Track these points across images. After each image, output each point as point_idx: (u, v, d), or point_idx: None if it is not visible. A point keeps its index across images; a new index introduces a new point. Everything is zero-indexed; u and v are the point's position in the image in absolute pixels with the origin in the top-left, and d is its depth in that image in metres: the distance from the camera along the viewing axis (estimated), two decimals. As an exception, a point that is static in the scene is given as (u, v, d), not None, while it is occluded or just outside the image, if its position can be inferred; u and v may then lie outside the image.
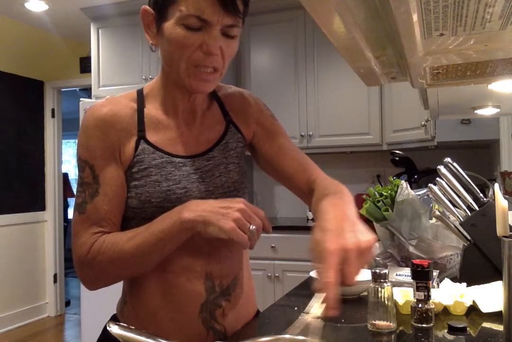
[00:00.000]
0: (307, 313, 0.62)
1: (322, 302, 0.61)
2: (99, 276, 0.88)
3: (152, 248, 0.83)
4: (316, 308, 0.61)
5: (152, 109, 0.94)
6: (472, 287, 1.05)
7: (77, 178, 0.93)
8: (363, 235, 0.67)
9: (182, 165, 0.91)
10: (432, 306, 0.91)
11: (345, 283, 0.63)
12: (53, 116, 4.33)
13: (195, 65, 0.85)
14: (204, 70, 0.85)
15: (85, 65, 4.16)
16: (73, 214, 0.90)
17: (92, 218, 0.87)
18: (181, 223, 0.80)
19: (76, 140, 0.94)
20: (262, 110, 1.05)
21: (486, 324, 0.94)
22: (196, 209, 0.81)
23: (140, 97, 0.95)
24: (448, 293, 1.02)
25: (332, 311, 0.61)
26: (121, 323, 0.73)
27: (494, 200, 0.95)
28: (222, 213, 0.79)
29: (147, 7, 0.88)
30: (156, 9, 0.87)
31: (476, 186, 1.21)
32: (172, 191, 0.88)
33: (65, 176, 4.91)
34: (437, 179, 1.24)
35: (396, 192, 1.36)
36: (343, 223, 0.69)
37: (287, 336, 0.61)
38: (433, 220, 1.31)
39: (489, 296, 0.99)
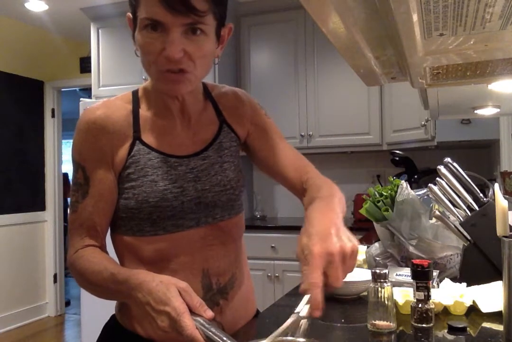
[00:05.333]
0: (297, 313, 0.63)
1: (307, 303, 0.62)
2: (76, 280, 0.90)
3: (100, 294, 0.87)
4: (302, 308, 0.63)
5: (147, 110, 0.95)
6: (472, 287, 1.05)
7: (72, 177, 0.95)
8: (348, 240, 0.70)
9: (178, 165, 0.92)
10: (432, 306, 0.91)
11: (331, 285, 0.66)
12: (53, 116, 4.33)
13: (162, 70, 0.84)
14: (171, 72, 0.83)
15: (85, 65, 4.16)
16: (69, 210, 0.94)
17: (80, 218, 0.90)
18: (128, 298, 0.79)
19: (72, 141, 0.96)
20: (255, 109, 1.05)
21: (486, 324, 0.94)
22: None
23: (135, 98, 0.95)
24: (448, 293, 1.02)
25: (317, 311, 0.63)
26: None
27: (494, 200, 0.95)
28: (155, 317, 0.73)
29: (129, 14, 0.88)
30: (132, 16, 0.87)
31: (476, 186, 1.21)
32: (168, 190, 0.89)
33: (65, 176, 4.90)
34: (437, 179, 1.24)
35: (396, 192, 1.36)
36: (329, 229, 0.71)
37: (289, 338, 0.61)
38: (433, 220, 1.31)
39: (489, 296, 0.99)
